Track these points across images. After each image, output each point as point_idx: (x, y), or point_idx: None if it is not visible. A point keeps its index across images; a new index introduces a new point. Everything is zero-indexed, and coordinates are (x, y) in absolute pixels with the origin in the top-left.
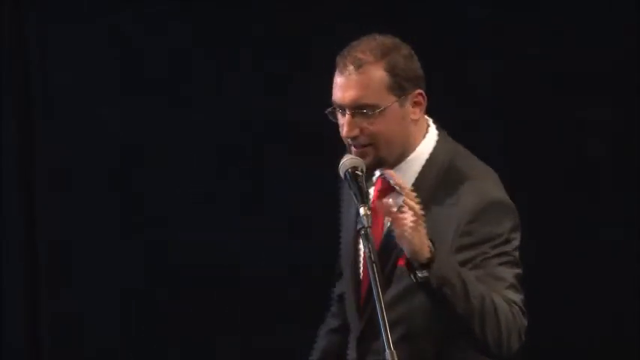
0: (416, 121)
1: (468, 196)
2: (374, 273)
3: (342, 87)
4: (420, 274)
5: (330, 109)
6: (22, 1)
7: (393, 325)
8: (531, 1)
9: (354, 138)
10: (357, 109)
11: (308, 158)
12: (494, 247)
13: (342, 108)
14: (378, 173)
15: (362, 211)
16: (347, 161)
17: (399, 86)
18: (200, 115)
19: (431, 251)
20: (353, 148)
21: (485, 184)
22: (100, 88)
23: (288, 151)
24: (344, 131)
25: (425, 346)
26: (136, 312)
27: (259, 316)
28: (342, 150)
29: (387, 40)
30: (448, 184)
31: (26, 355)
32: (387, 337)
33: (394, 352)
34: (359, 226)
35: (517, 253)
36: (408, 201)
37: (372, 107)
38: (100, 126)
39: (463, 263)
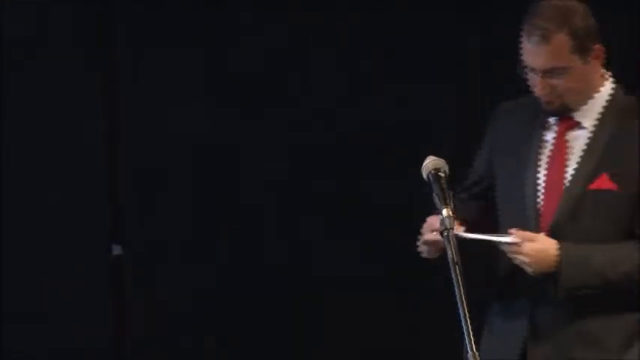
0: (597, 70)
1: None
2: (456, 275)
3: (532, 54)
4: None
5: (522, 68)
6: (111, 2)
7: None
8: None
9: (545, 94)
10: (547, 72)
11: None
12: None
13: (534, 70)
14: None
15: (444, 212)
16: (429, 163)
17: (581, 47)
18: (292, 115)
19: (556, 263)
20: (543, 100)
21: None
22: (183, 88)
23: (372, 153)
24: (537, 90)
25: None
26: (224, 313)
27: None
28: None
29: (563, 3)
30: (633, 115)
31: (113, 355)
32: (470, 339)
33: (476, 353)
34: (441, 228)
35: None
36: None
37: (560, 70)
38: (184, 126)
39: None
